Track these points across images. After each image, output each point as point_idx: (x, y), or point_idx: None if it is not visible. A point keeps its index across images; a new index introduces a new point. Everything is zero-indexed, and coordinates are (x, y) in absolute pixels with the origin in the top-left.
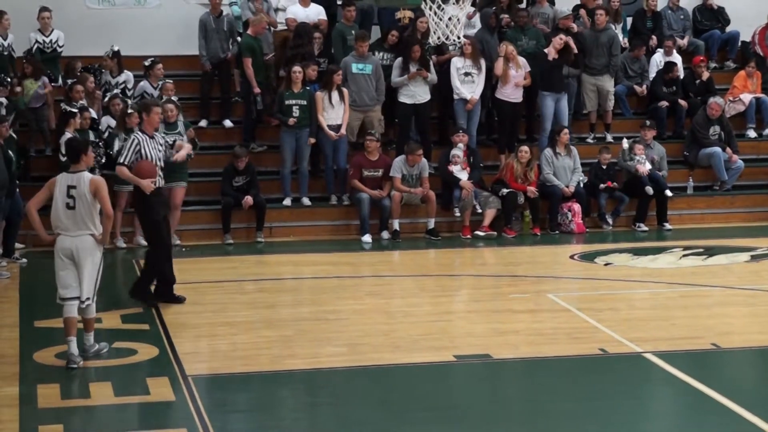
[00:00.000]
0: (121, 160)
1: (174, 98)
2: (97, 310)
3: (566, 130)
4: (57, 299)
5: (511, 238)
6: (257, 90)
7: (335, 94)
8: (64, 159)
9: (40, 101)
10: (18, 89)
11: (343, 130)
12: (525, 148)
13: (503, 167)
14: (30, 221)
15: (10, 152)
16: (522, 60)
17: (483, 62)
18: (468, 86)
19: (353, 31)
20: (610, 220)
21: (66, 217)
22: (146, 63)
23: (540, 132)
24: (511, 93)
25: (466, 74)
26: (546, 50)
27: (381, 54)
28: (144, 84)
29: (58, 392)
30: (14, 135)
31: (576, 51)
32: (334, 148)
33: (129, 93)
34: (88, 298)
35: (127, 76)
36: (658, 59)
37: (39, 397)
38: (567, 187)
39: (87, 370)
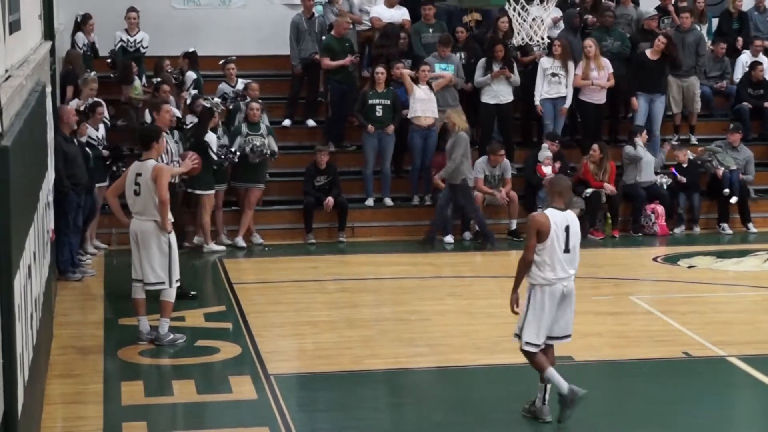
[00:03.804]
0: None
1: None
2: (180, 308)
3: (644, 131)
4: None
5: (593, 240)
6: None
7: (425, 88)
8: (217, 159)
9: (141, 101)
10: None
11: (434, 120)
12: (595, 146)
13: (581, 167)
14: (111, 208)
15: (87, 149)
16: (605, 61)
17: (571, 64)
18: (554, 87)
19: (430, 30)
20: (697, 228)
21: (133, 203)
22: (220, 62)
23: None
24: (594, 94)
25: (553, 75)
26: (647, 51)
27: (458, 54)
28: (222, 85)
29: (142, 389)
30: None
31: (675, 51)
32: (424, 147)
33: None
34: (154, 282)
35: (187, 75)
36: (744, 60)
37: (123, 394)
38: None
39: (170, 368)
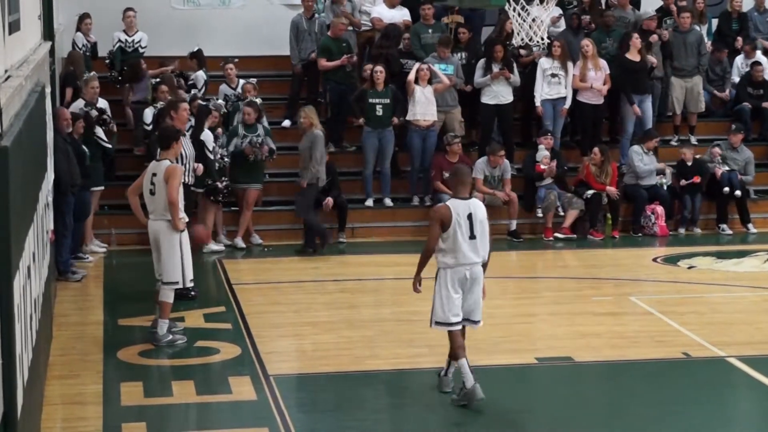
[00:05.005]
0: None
1: (257, 99)
2: (179, 309)
3: (655, 138)
4: None
5: (593, 241)
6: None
7: (427, 89)
8: (213, 158)
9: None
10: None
11: (434, 122)
12: (596, 149)
13: (582, 169)
14: (131, 206)
15: (84, 147)
16: (602, 62)
17: (570, 65)
18: (554, 87)
19: (430, 30)
20: (697, 229)
21: (149, 202)
22: (221, 64)
23: (622, 133)
24: (592, 95)
25: (553, 75)
26: (626, 54)
27: (458, 54)
28: (223, 86)
29: (141, 390)
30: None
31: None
32: (423, 148)
33: (196, 92)
34: (172, 282)
35: (197, 75)
36: (740, 62)
37: (122, 394)
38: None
39: (169, 368)
